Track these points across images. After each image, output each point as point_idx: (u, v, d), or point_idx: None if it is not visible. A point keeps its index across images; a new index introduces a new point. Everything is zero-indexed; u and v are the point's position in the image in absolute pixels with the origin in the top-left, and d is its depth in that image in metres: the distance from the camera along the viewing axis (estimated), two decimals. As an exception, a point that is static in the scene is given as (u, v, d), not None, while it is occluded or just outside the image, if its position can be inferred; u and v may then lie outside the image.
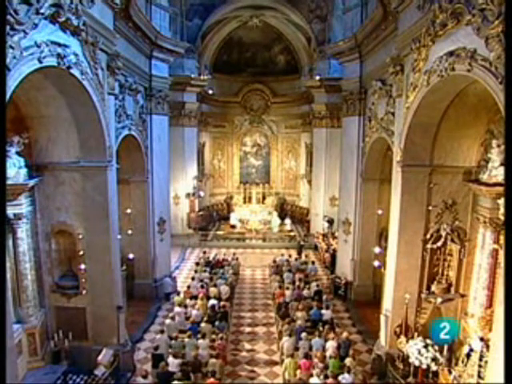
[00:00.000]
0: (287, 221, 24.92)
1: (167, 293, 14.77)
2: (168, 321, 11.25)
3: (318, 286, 13.94)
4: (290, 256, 18.13)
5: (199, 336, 10.07)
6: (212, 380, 8.49)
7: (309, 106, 22.82)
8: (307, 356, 9.38)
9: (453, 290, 9.42)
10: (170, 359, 9.09)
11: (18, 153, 8.52)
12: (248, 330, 12.81)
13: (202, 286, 13.42)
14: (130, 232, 13.72)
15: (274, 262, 17.16)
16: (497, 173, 7.57)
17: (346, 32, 15.25)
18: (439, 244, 9.31)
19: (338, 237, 16.60)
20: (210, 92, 24.20)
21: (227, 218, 26.63)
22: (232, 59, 26.36)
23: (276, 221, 24.66)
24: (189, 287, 13.60)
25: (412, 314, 9.52)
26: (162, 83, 14.93)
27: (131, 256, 13.48)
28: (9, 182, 7.82)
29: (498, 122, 7.71)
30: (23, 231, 9.15)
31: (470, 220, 9.22)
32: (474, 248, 9.03)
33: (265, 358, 11.13)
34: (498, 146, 7.58)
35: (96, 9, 8.44)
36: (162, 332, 10.34)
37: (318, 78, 20.42)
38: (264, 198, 26.94)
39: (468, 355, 7.96)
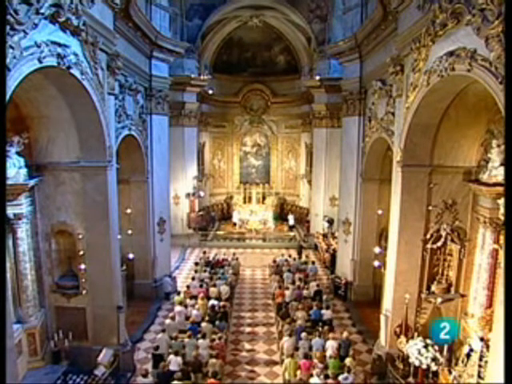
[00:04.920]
0: (290, 216, 25.12)
1: (167, 292, 14.79)
2: (168, 321, 11.25)
3: (318, 285, 13.95)
4: (289, 256, 18.15)
5: (199, 336, 10.08)
6: (213, 380, 8.49)
7: (309, 106, 22.81)
8: (307, 356, 9.38)
9: (453, 289, 9.43)
10: (172, 357, 9.09)
11: (18, 153, 8.52)
12: (248, 330, 12.81)
13: (201, 286, 13.43)
14: (129, 232, 13.71)
15: (274, 261, 17.16)
16: (497, 173, 7.58)
17: (346, 32, 15.25)
18: (439, 244, 9.32)
19: (338, 237, 16.60)
20: (210, 92, 24.19)
21: (227, 218, 26.66)
22: (232, 59, 26.35)
23: (270, 217, 24.97)
24: (188, 287, 13.61)
25: (412, 314, 9.52)
26: (162, 83, 14.93)
27: (131, 256, 13.47)
28: (9, 182, 7.83)
29: (498, 121, 7.71)
30: (23, 231, 9.14)
31: (470, 220, 9.23)
32: (474, 248, 9.05)
33: (265, 358, 11.13)
34: (498, 145, 7.60)
35: (96, 9, 8.44)
36: (163, 331, 10.35)
37: (318, 78, 20.41)
38: (264, 198, 26.93)
39: (468, 355, 7.98)
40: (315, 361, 9.16)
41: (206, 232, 23.77)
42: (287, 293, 13.20)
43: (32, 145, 9.30)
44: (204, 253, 18.58)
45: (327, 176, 21.30)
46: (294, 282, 14.28)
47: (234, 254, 18.31)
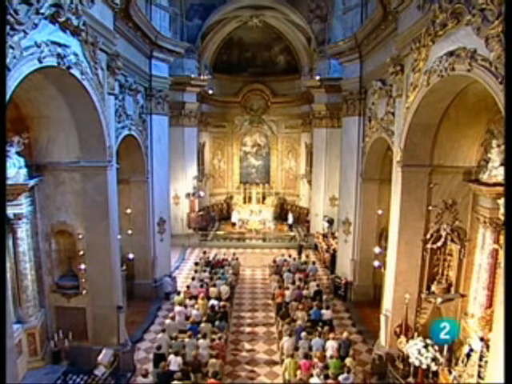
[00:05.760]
0: (289, 215, 25.27)
1: (167, 292, 14.79)
2: (168, 321, 11.24)
3: (318, 285, 13.95)
4: (289, 256, 18.16)
5: (199, 336, 10.08)
6: (213, 380, 8.49)
7: (309, 105, 22.81)
8: (307, 356, 9.38)
9: (453, 289, 9.43)
10: (172, 357, 9.09)
11: (18, 153, 8.52)
12: (248, 330, 12.81)
13: (202, 286, 13.44)
14: (129, 232, 13.71)
15: (274, 261, 17.17)
16: (497, 173, 7.58)
17: (346, 32, 15.25)
18: (439, 244, 9.32)
19: (338, 237, 16.60)
20: (210, 92, 24.18)
21: (227, 218, 26.67)
22: (232, 59, 26.34)
23: (270, 217, 25.13)
24: (188, 287, 13.61)
25: (412, 314, 9.52)
26: (162, 83, 14.93)
27: (131, 256, 13.47)
28: (9, 182, 7.83)
29: (498, 121, 7.71)
30: (23, 231, 9.14)
31: (470, 220, 9.23)
32: (474, 248, 9.05)
33: (265, 358, 11.13)
34: (498, 145, 7.60)
35: (96, 9, 8.44)
36: (163, 331, 10.35)
37: (318, 78, 20.40)
38: (264, 198, 26.93)
39: (468, 355, 7.98)
40: (315, 361, 9.15)
41: (206, 232, 23.76)
42: (287, 293, 13.20)
43: (32, 145, 9.29)
44: (204, 253, 18.58)
45: (327, 176, 21.30)
46: (294, 282, 14.28)
47: (234, 254, 18.30)
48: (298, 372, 9.06)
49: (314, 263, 17.00)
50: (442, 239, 9.27)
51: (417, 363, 8.27)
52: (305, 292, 13.40)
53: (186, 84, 21.00)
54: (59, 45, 7.07)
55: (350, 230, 15.12)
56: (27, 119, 9.15)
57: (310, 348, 9.93)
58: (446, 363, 8.37)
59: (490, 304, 8.27)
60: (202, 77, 21.97)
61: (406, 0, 8.83)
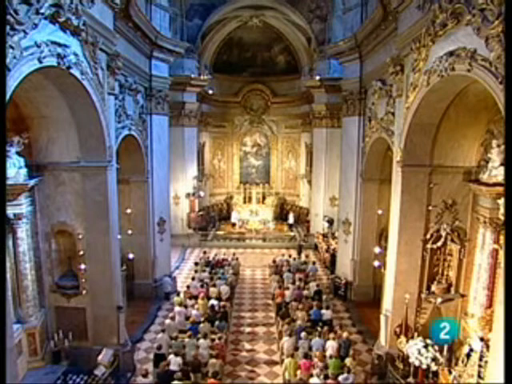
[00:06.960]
0: (290, 215, 25.33)
1: (167, 292, 14.79)
2: (168, 321, 11.24)
3: (317, 285, 13.95)
4: (290, 256, 18.15)
5: (199, 336, 10.07)
6: (213, 380, 8.49)
7: (309, 105, 22.81)
8: (307, 356, 9.38)
9: (453, 290, 9.44)
10: (172, 357, 9.10)
11: (18, 153, 8.52)
12: (248, 330, 12.81)
13: (202, 286, 13.44)
14: (129, 232, 13.71)
15: (274, 262, 17.18)
16: (497, 173, 7.58)
17: (345, 32, 15.24)
18: (439, 244, 9.32)
19: (338, 237, 16.61)
20: (210, 92, 24.18)
21: (227, 218, 26.67)
22: (232, 59, 26.32)
23: (270, 217, 25.20)
24: (188, 287, 13.61)
25: (412, 314, 9.52)
26: (162, 83, 14.93)
27: (131, 256, 13.48)
28: (9, 182, 7.82)
29: (498, 122, 7.72)
30: (23, 231, 9.15)
31: (470, 220, 9.23)
32: (473, 248, 9.05)
33: (265, 358, 11.13)
34: (498, 145, 7.60)
35: (96, 9, 8.44)
36: (163, 331, 10.34)
37: (317, 78, 20.40)
38: (264, 198, 26.92)
39: (468, 355, 7.97)
40: (315, 360, 9.15)
41: (206, 232, 23.76)
42: (287, 293, 13.21)
43: (32, 145, 9.30)
44: (204, 253, 18.59)
45: (327, 176, 21.30)
46: (294, 282, 14.28)
47: (233, 254, 18.30)
48: (298, 372, 9.06)
49: (314, 263, 16.98)
50: (442, 239, 9.27)
51: (417, 363, 8.27)
52: (305, 292, 13.40)
53: (186, 84, 20.98)
54: (59, 45, 7.07)
55: (350, 230, 15.12)
56: (27, 119, 9.15)
57: (310, 348, 9.93)
58: (446, 363, 8.37)
59: (490, 304, 8.27)
60: (201, 77, 21.96)
61: (406, 0, 8.83)
